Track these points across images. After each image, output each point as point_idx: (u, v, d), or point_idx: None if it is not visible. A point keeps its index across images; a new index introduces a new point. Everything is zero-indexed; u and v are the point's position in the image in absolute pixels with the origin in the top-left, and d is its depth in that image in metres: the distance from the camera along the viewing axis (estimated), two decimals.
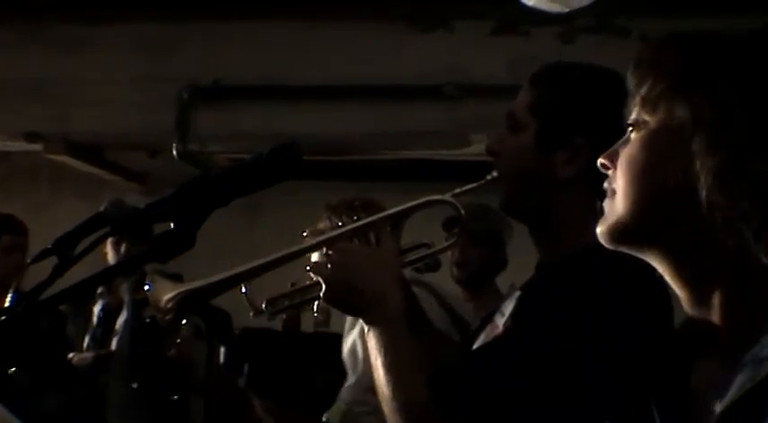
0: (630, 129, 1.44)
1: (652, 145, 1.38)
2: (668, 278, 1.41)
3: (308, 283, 2.38)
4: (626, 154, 1.43)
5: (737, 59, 1.36)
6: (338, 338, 3.80)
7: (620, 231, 1.43)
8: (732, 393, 1.28)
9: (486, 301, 4.69)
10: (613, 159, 1.46)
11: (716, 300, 1.34)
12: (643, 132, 1.40)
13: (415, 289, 3.29)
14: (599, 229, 1.46)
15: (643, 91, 1.40)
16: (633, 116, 1.42)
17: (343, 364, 3.68)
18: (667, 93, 1.37)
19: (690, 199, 1.31)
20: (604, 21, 5.59)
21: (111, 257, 5.04)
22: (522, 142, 2.20)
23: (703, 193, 1.29)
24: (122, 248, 5.02)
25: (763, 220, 1.27)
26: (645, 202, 1.38)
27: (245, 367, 3.24)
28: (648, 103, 1.39)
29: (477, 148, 6.00)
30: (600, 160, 1.50)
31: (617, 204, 1.43)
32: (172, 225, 1.61)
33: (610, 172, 1.48)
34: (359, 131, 6.28)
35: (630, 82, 1.44)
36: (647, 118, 1.39)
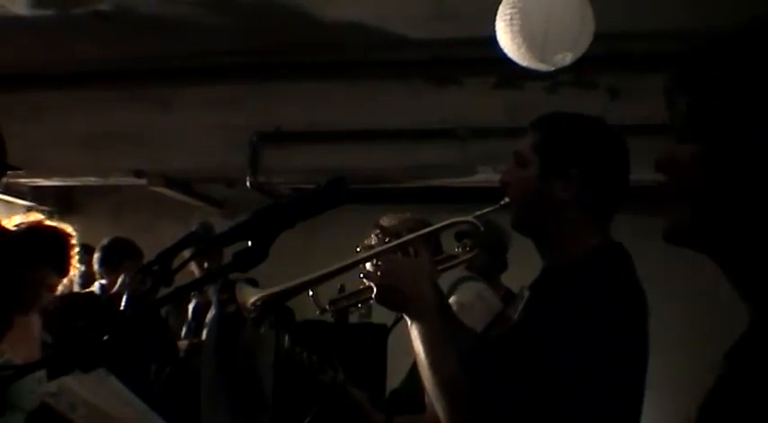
0: None
1: None
2: None
3: (361, 287, 2.41)
4: None
5: None
6: (378, 328, 3.79)
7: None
8: None
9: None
10: None
11: None
12: None
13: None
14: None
15: None
16: None
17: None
18: None
19: None
20: (580, 76, 5.57)
21: (195, 271, 5.05)
22: (528, 175, 2.23)
23: None
24: (204, 264, 5.03)
25: None
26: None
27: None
28: None
29: (479, 178, 6.00)
30: None
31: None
32: (249, 243, 1.61)
33: None
34: (389, 165, 6.28)
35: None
36: None
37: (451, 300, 3.44)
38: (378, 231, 3.22)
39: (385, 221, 3.54)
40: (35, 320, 3.80)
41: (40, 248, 3.72)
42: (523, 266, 3.09)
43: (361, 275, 2.33)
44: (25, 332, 3.62)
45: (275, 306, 2.34)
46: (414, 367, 3.36)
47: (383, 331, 3.91)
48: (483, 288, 3.82)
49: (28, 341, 3.42)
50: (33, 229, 3.80)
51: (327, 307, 2.49)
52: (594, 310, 1.97)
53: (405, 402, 3.12)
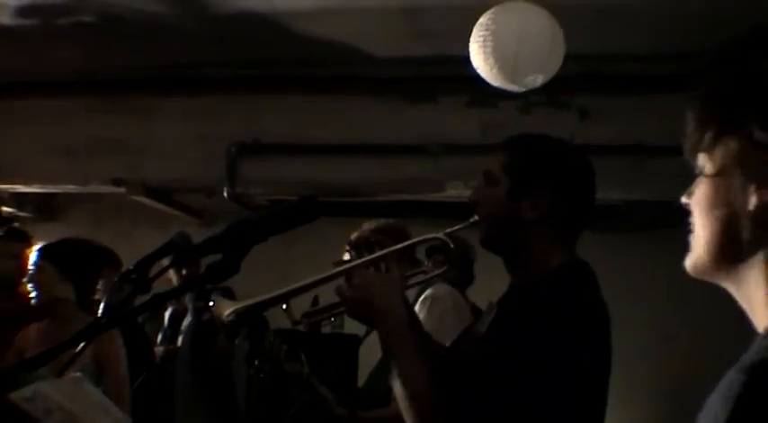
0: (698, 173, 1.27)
1: (715, 187, 1.22)
2: (740, 300, 1.24)
3: (335, 302, 2.43)
4: (696, 196, 1.26)
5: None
6: (350, 338, 3.80)
7: (700, 269, 1.27)
8: None
9: None
10: (690, 199, 1.28)
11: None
12: (705, 177, 1.24)
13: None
14: (687, 263, 1.29)
15: (702, 142, 1.25)
16: (698, 162, 1.27)
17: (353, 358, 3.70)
18: (713, 141, 1.23)
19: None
20: (552, 97, 5.61)
21: (174, 279, 5.04)
22: (496, 194, 2.23)
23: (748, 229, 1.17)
24: (183, 272, 5.02)
25: None
26: (717, 241, 1.22)
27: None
28: (705, 151, 1.24)
29: (451, 193, 6.01)
30: (682, 200, 1.31)
31: (696, 241, 1.26)
32: (221, 256, 1.61)
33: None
34: (365, 179, 6.29)
35: (693, 135, 1.28)
36: (706, 164, 1.24)
37: (425, 294, 3.49)
38: (350, 247, 3.24)
39: (353, 235, 3.57)
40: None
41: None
42: (488, 281, 3.11)
43: (335, 290, 2.34)
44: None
45: (249, 318, 2.35)
46: (377, 367, 3.39)
47: (355, 341, 3.92)
48: (453, 289, 3.90)
49: None
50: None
51: (300, 320, 2.51)
52: (565, 323, 1.99)
53: (368, 400, 3.14)
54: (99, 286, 5.04)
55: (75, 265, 4.17)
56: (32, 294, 4.14)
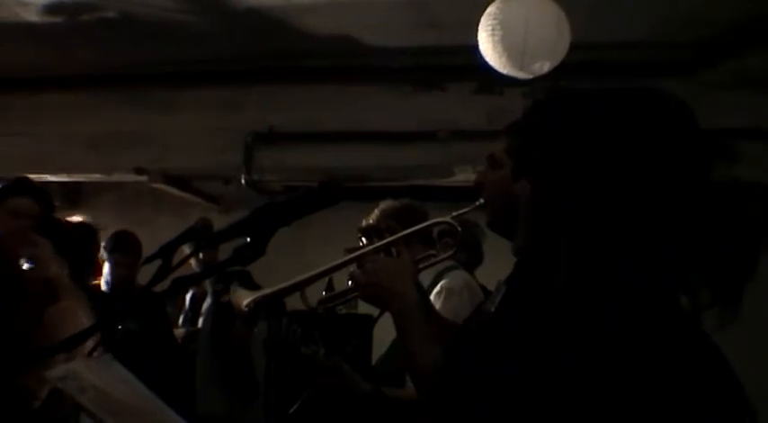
0: None
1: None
2: None
3: (347, 287, 2.43)
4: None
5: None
6: (364, 318, 3.80)
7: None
8: None
9: None
10: None
11: None
12: None
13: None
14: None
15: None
16: None
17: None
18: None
19: None
20: (556, 84, 5.59)
21: (193, 264, 5.05)
22: (501, 177, 2.21)
23: None
24: (200, 255, 5.02)
25: None
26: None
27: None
28: None
29: (460, 178, 6.00)
30: None
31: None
32: (248, 239, 1.62)
33: None
34: (376, 165, 6.30)
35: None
36: None
37: (441, 284, 3.46)
38: (361, 234, 3.24)
39: (364, 222, 3.56)
40: None
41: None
42: (496, 262, 3.10)
43: (348, 276, 2.35)
44: None
45: (266, 305, 2.36)
46: (390, 347, 3.38)
47: (369, 322, 3.93)
48: (469, 277, 3.84)
49: None
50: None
51: (316, 306, 2.52)
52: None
53: (381, 378, 3.13)
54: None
55: (69, 243, 4.13)
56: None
